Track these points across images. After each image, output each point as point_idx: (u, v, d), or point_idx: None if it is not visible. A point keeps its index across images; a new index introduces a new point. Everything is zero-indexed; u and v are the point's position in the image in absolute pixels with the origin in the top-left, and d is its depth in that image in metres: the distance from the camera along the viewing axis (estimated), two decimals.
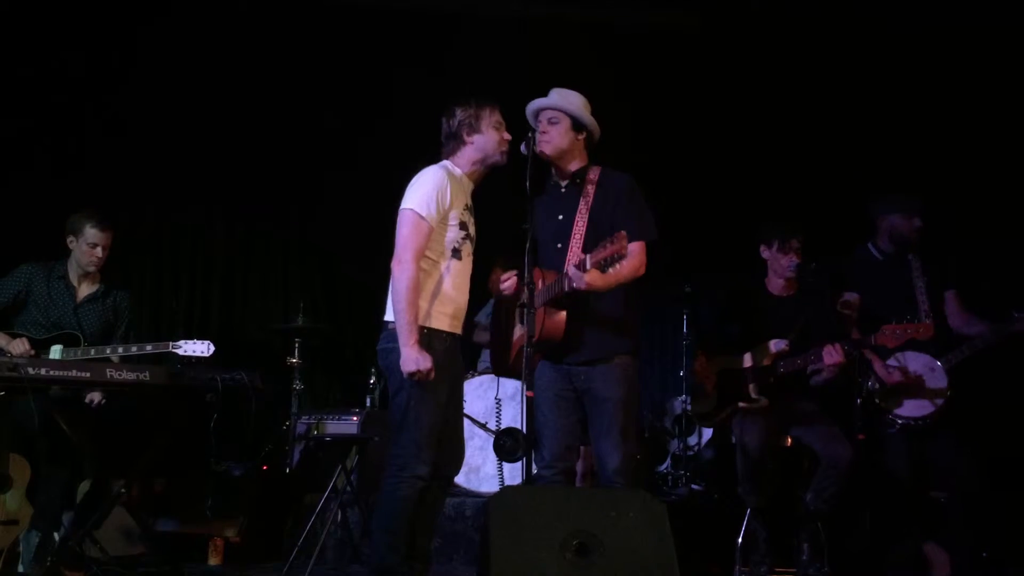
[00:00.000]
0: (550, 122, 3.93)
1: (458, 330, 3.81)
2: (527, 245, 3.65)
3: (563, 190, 4.01)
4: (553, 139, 3.91)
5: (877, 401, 4.51)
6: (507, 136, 3.83)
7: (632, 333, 3.92)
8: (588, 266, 3.58)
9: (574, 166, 3.99)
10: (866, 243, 4.86)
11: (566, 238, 3.90)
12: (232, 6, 6.20)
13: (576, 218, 3.91)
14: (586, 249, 3.79)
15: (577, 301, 3.77)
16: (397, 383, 3.68)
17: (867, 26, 6.22)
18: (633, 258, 3.76)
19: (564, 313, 3.78)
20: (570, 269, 3.65)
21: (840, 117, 6.44)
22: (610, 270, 3.55)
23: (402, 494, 3.60)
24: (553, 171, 4.03)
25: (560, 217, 3.95)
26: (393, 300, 3.63)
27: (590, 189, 3.95)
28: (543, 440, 3.88)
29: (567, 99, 3.96)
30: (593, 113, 4.00)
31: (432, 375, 3.57)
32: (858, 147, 6.41)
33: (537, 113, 3.98)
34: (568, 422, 3.90)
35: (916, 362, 4.56)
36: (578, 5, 6.46)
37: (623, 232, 3.47)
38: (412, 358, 3.55)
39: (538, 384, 3.84)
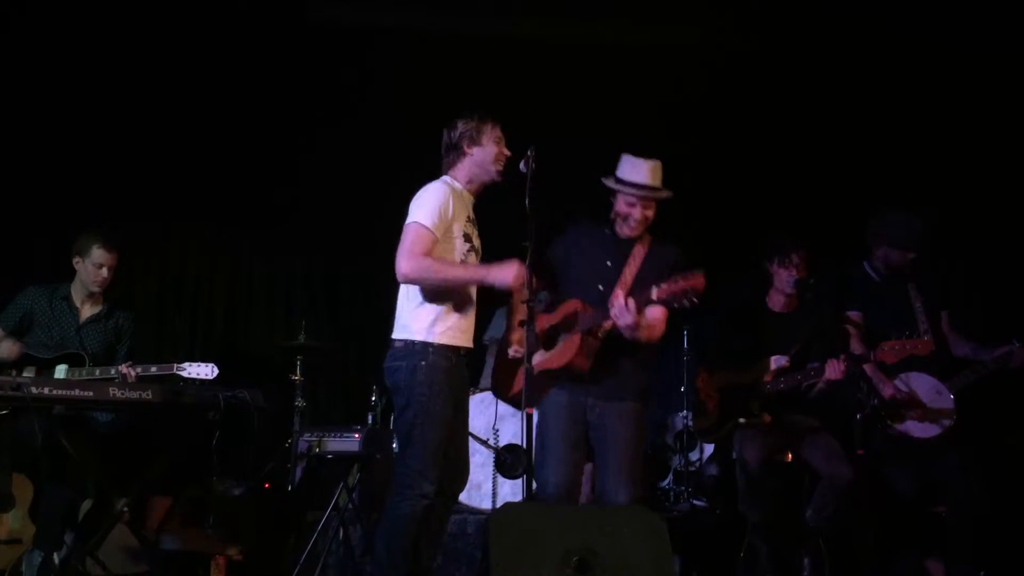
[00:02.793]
0: (645, 207, 4.05)
1: (467, 343, 3.83)
2: (527, 261, 3.68)
3: (620, 238, 4.12)
4: (647, 222, 4.09)
5: (883, 414, 4.51)
6: (506, 152, 3.86)
7: (646, 382, 4.09)
8: (654, 296, 3.77)
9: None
10: (862, 262, 4.87)
11: (610, 284, 4.02)
12: (231, 17, 6.23)
13: (625, 270, 4.05)
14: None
15: (611, 338, 3.91)
16: (403, 401, 3.70)
17: (870, 35, 6.24)
18: (661, 323, 3.98)
19: (598, 346, 3.93)
20: (626, 311, 3.78)
21: (842, 128, 6.46)
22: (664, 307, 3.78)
23: (406, 511, 3.61)
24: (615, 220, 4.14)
25: (608, 263, 4.08)
26: (439, 281, 3.68)
27: (640, 252, 4.10)
28: (548, 466, 3.93)
29: (657, 177, 4.06)
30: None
31: (524, 275, 3.64)
32: (860, 159, 6.43)
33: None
34: (575, 452, 3.98)
35: (923, 384, 4.57)
36: (575, 20, 6.48)
37: (701, 273, 3.72)
38: (499, 274, 3.65)
39: (549, 411, 3.96)
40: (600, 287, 4.03)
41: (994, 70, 6.08)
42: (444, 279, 3.69)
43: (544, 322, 4.06)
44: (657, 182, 4.06)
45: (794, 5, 6.11)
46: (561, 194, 4.33)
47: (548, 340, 4.04)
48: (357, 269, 6.72)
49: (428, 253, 3.66)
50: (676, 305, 3.78)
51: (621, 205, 4.08)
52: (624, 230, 4.11)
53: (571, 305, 4.01)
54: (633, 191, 4.04)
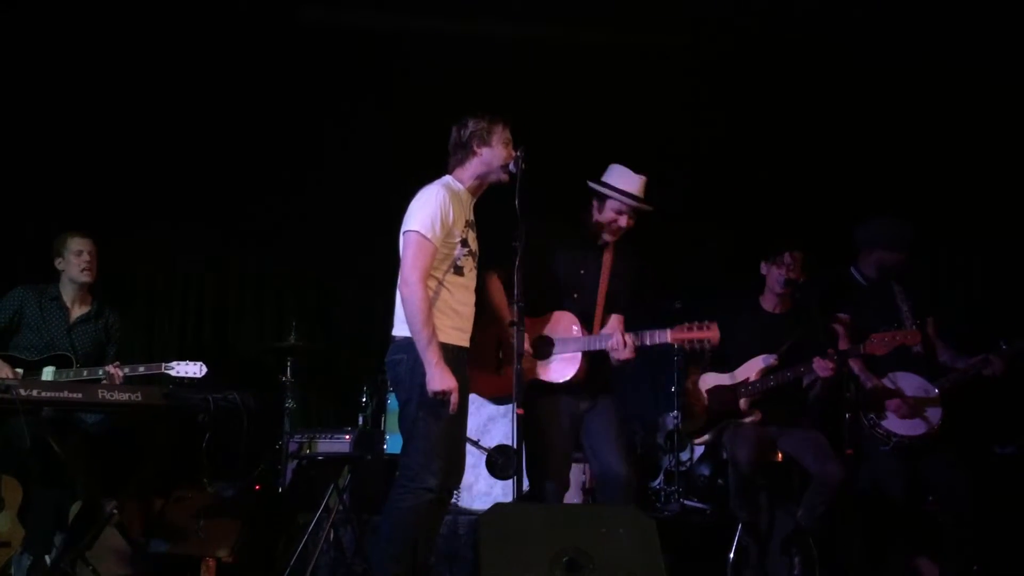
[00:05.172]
0: (631, 217, 4.16)
1: (464, 343, 3.85)
2: (515, 262, 3.76)
3: (593, 245, 4.24)
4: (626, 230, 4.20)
5: (868, 410, 4.53)
6: (514, 154, 3.87)
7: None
8: (670, 339, 4.03)
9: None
10: (848, 267, 4.90)
11: (585, 293, 4.19)
12: (229, 22, 6.22)
13: (600, 279, 4.20)
14: (607, 310, 4.19)
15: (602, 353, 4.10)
16: (405, 394, 3.73)
17: (863, 43, 6.28)
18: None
19: (593, 359, 4.09)
20: (624, 349, 3.99)
21: (836, 134, 6.50)
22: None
23: (409, 505, 3.62)
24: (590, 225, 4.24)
25: (582, 271, 4.20)
26: (409, 322, 3.66)
27: (608, 259, 4.24)
28: (549, 464, 4.02)
29: (643, 191, 4.17)
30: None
31: (456, 395, 3.63)
32: (849, 166, 6.46)
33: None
34: (571, 450, 4.14)
35: (911, 383, 4.60)
36: (570, 22, 6.49)
37: (715, 324, 4.02)
38: (437, 377, 3.60)
39: (547, 410, 4.06)
40: (575, 295, 4.18)
41: (989, 85, 6.12)
42: (413, 325, 3.64)
43: (533, 328, 4.11)
44: (647, 207, 4.19)
45: (784, 13, 6.13)
46: (550, 195, 4.32)
47: (538, 348, 4.13)
48: (348, 270, 6.72)
49: (429, 266, 3.69)
50: (687, 348, 4.03)
51: (608, 212, 4.17)
52: (604, 236, 4.21)
53: (564, 319, 4.13)
54: (628, 201, 4.13)
